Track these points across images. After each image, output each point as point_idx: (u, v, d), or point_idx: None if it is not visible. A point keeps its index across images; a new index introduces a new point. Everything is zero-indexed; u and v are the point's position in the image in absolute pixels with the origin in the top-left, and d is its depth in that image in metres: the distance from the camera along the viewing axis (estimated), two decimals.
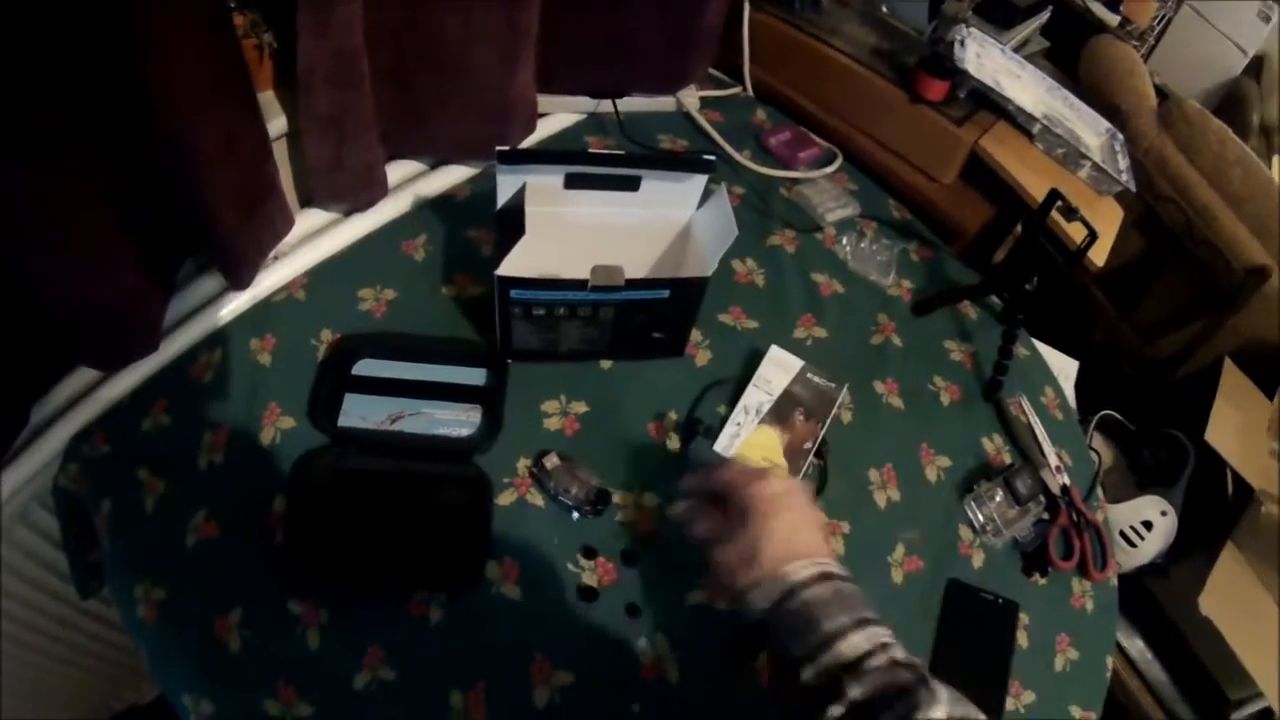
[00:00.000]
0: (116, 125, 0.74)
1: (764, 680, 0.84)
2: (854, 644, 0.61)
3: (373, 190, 1.06)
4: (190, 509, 0.85)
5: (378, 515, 0.87)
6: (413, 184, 1.13)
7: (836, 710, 0.58)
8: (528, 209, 0.87)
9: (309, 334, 0.97)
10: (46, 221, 0.70)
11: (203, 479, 0.87)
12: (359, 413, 0.93)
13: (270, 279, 1.01)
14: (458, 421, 0.94)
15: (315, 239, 1.05)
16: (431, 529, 0.86)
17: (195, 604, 0.81)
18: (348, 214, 1.08)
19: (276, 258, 1.02)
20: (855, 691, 0.58)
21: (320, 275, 1.02)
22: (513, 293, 0.87)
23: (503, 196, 0.89)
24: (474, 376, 0.97)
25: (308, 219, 1.06)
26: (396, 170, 1.10)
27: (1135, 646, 1.43)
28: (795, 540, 0.67)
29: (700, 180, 0.91)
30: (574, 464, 0.92)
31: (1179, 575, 1.39)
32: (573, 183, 0.90)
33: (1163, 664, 1.43)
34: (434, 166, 1.15)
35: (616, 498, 0.90)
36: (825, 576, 0.65)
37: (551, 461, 0.91)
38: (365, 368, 0.96)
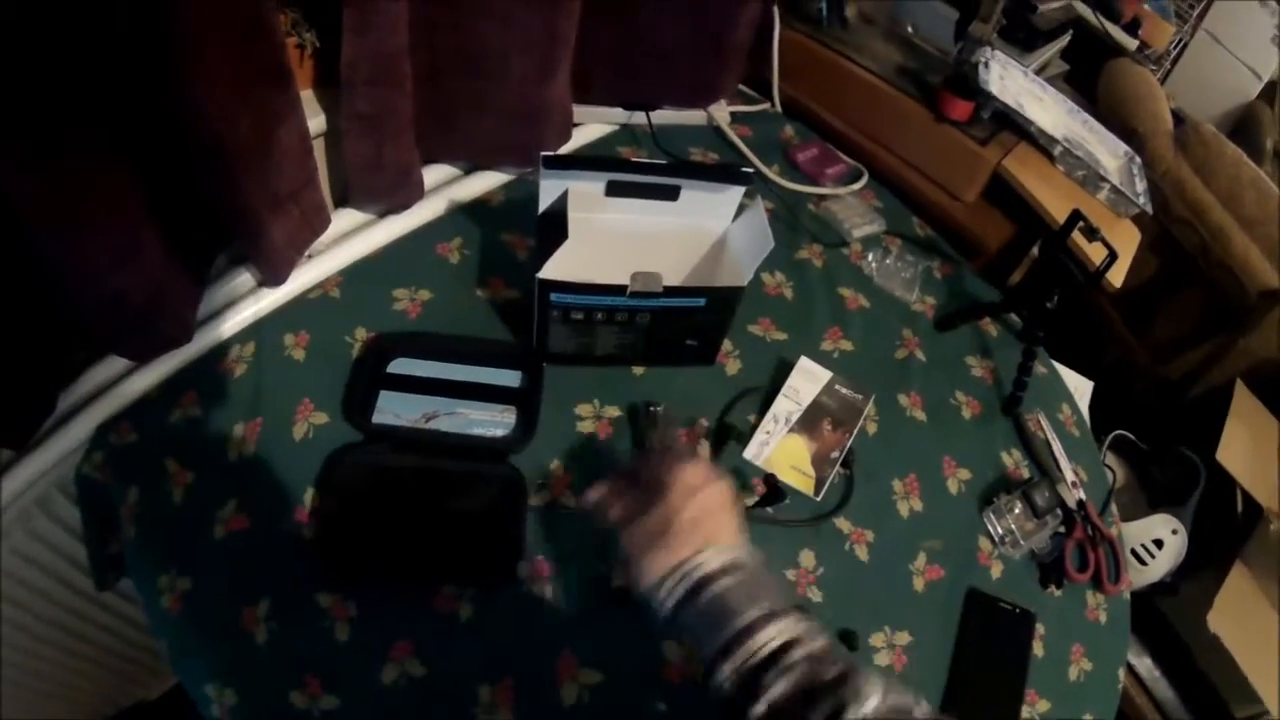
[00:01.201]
0: (153, 116, 0.76)
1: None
2: (770, 637, 0.59)
3: (409, 191, 1.09)
4: (219, 500, 0.87)
5: (412, 511, 0.90)
6: (447, 188, 1.16)
7: (759, 709, 0.57)
8: (570, 214, 0.91)
9: (343, 332, 1.00)
10: (81, 210, 0.72)
11: (233, 471, 0.89)
12: (393, 410, 0.96)
13: (305, 276, 1.04)
14: (492, 422, 0.97)
15: (350, 239, 1.08)
16: (466, 527, 0.90)
17: (222, 595, 0.83)
18: (383, 215, 1.12)
19: (311, 256, 1.05)
20: (777, 689, 0.57)
21: (355, 274, 1.06)
22: (553, 296, 0.91)
23: (545, 201, 0.93)
24: (509, 378, 1.00)
25: (343, 219, 1.09)
26: (431, 174, 1.14)
27: (1143, 664, 1.47)
28: (705, 521, 0.66)
29: (737, 192, 0.96)
30: (669, 420, 0.99)
31: (1188, 593, 1.43)
32: (614, 190, 0.94)
33: (1170, 681, 1.47)
34: (468, 172, 1.19)
35: None
36: (735, 566, 0.63)
37: (657, 409, 0.99)
38: (400, 366, 0.99)
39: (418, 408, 0.97)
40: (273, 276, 1.01)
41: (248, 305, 1.00)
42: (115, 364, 0.93)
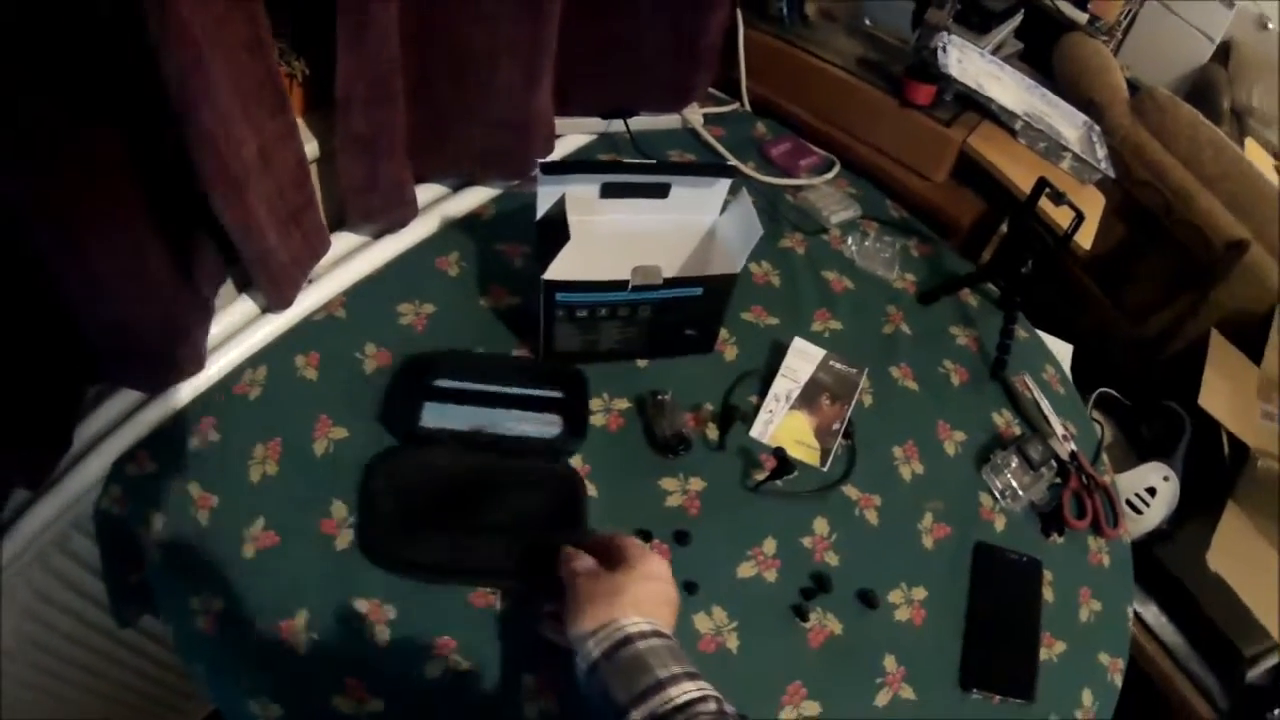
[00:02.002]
0: (158, 145, 0.78)
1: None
2: (686, 691, 0.65)
3: (404, 210, 1.14)
4: (246, 519, 0.90)
5: (470, 510, 0.93)
6: (438, 206, 1.21)
7: None
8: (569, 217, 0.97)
9: (353, 348, 1.05)
10: (88, 241, 0.73)
11: (256, 490, 0.92)
12: (437, 420, 0.98)
13: (309, 300, 1.07)
14: (539, 430, 1.00)
15: (348, 260, 1.12)
16: (527, 524, 0.93)
17: (257, 611, 0.85)
18: (378, 235, 1.16)
19: (312, 280, 1.09)
20: None
21: (358, 294, 1.10)
22: (558, 295, 0.97)
23: (543, 206, 0.99)
24: (551, 393, 1.04)
25: (339, 242, 1.12)
26: (422, 193, 1.18)
27: (1149, 612, 1.54)
28: (648, 603, 0.74)
29: (724, 185, 1.03)
30: (675, 408, 1.04)
31: (1184, 539, 1.50)
32: (608, 192, 1.01)
33: (1177, 627, 1.54)
34: (456, 189, 1.25)
35: (664, 483, 1.01)
36: (660, 635, 0.71)
37: (664, 397, 1.05)
38: (443, 383, 1.02)
39: (463, 419, 0.99)
40: (279, 300, 1.03)
41: (254, 331, 1.03)
42: (126, 398, 0.95)
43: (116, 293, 0.80)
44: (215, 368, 1.00)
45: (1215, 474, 1.55)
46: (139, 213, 0.79)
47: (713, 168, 1.02)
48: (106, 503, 0.92)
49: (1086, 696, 1.01)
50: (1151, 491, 1.46)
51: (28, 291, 0.76)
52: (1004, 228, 1.50)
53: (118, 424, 0.95)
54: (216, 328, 1.01)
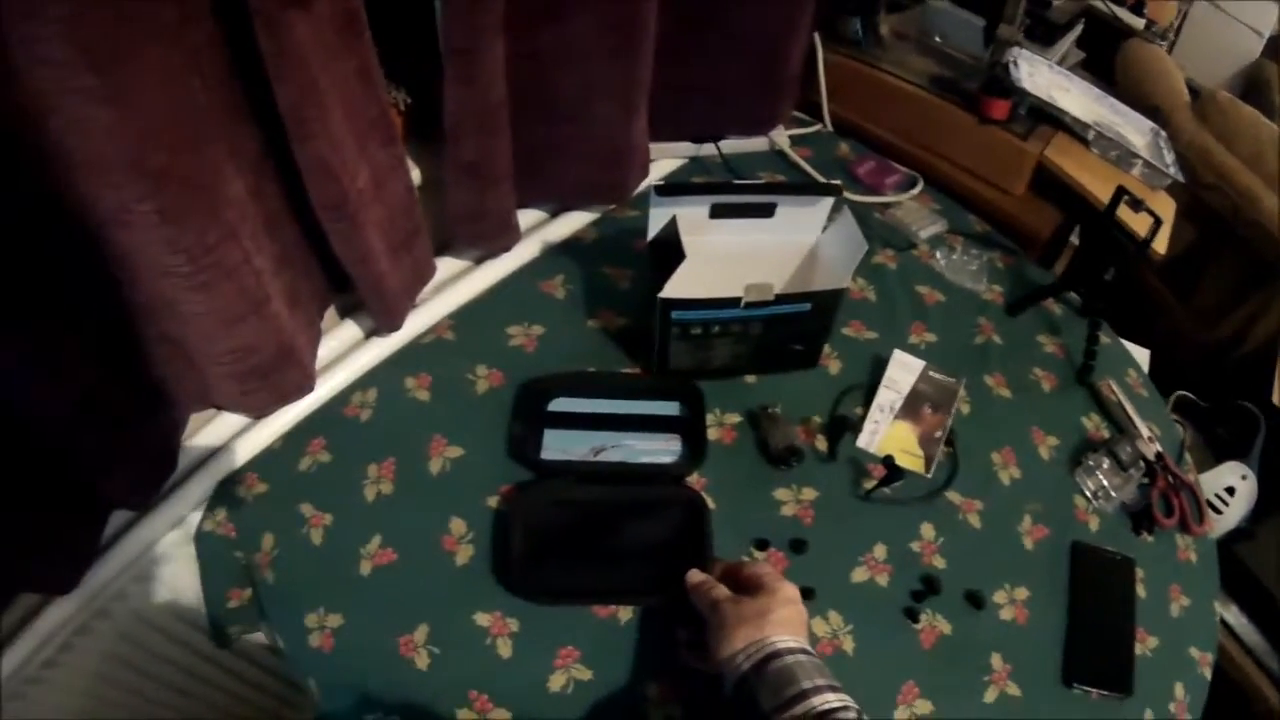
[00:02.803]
0: (282, 177, 0.86)
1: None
2: (829, 700, 0.71)
3: (509, 235, 1.20)
4: (362, 537, 0.95)
5: (602, 540, 0.98)
6: (539, 230, 1.28)
7: None
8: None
9: (464, 370, 1.11)
10: (213, 258, 0.77)
11: (372, 509, 0.97)
12: (560, 447, 1.04)
13: (415, 323, 1.14)
14: (660, 450, 1.07)
15: (453, 284, 1.19)
16: (657, 549, 0.98)
17: (376, 627, 0.90)
18: (480, 261, 1.22)
19: (417, 305, 1.15)
20: None
21: (465, 317, 1.17)
22: (674, 313, 1.02)
23: (654, 228, 1.05)
24: (669, 409, 1.11)
25: (443, 267, 1.19)
26: (523, 218, 1.24)
27: (1231, 613, 1.57)
28: (791, 624, 0.79)
29: (827, 203, 1.09)
30: (786, 421, 1.10)
31: (1265, 537, 1.55)
32: (717, 213, 1.07)
33: (1258, 627, 1.57)
34: (555, 215, 1.32)
35: (778, 494, 1.07)
36: (806, 651, 0.76)
37: (774, 411, 1.11)
38: (561, 405, 1.08)
39: (585, 443, 1.05)
40: (389, 323, 1.10)
41: (361, 355, 1.10)
42: (231, 420, 1.00)
43: (233, 317, 0.84)
44: (323, 390, 1.06)
45: None
46: (260, 238, 0.84)
47: (817, 186, 1.08)
48: (210, 524, 0.97)
49: (1179, 690, 1.05)
50: (1230, 491, 1.51)
51: (131, 312, 0.80)
52: (1074, 238, 1.55)
53: (223, 446, 1.01)
54: (323, 350, 1.07)
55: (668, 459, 1.06)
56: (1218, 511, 1.50)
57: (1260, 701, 1.53)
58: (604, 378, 1.13)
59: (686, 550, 0.97)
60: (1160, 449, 1.24)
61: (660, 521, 1.00)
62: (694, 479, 1.06)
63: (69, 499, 0.84)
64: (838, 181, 1.07)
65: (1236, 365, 1.79)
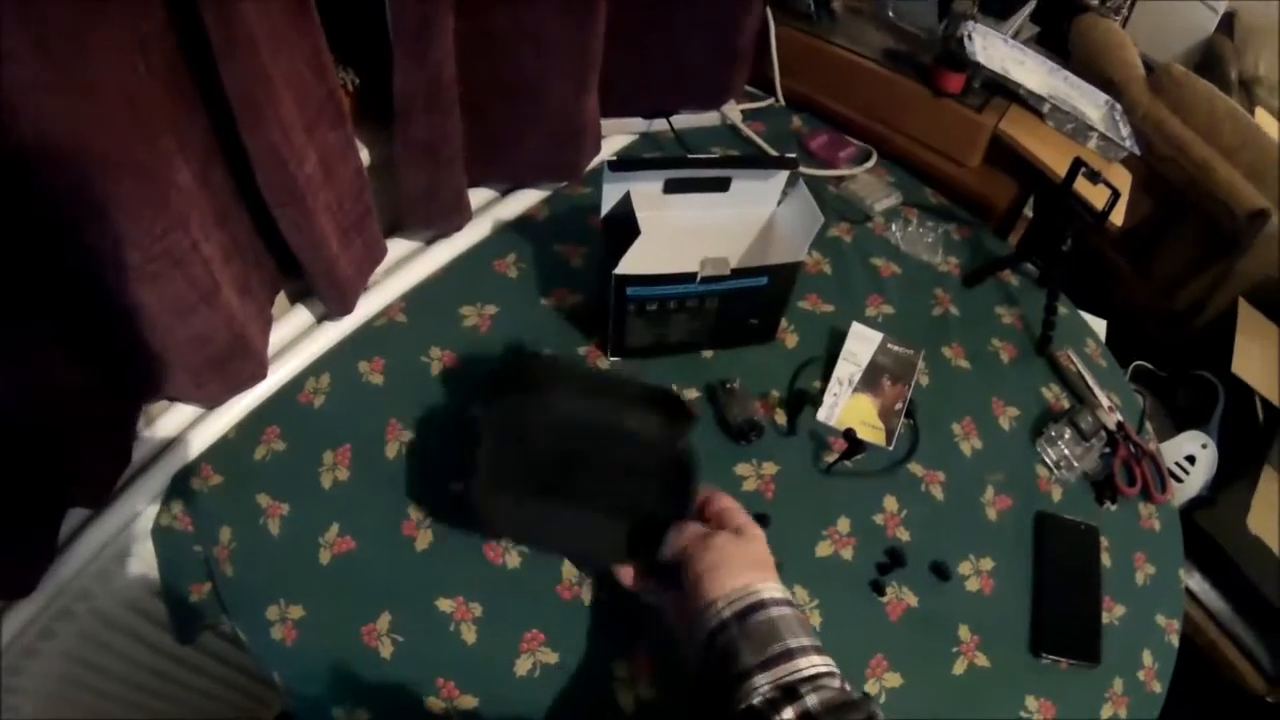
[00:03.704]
0: (230, 164, 0.83)
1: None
2: (815, 664, 0.67)
3: (461, 215, 1.19)
4: (320, 526, 0.93)
5: (583, 470, 0.90)
6: (491, 209, 1.26)
7: (789, 714, 0.64)
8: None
9: (419, 353, 1.09)
10: (156, 252, 0.75)
11: (329, 497, 0.95)
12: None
13: (368, 306, 1.11)
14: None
15: (405, 266, 1.16)
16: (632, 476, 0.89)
17: (338, 617, 0.88)
18: (430, 241, 1.20)
19: (369, 287, 1.13)
20: (812, 700, 0.64)
21: (417, 298, 1.15)
22: (629, 290, 1.01)
23: (608, 203, 1.03)
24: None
25: (393, 248, 1.17)
26: (474, 197, 1.22)
27: (1193, 580, 1.60)
28: (768, 565, 0.77)
29: (782, 177, 1.08)
30: (745, 396, 1.09)
31: (1224, 504, 1.57)
32: (671, 187, 1.05)
33: (1220, 593, 1.60)
34: (506, 193, 1.30)
35: (739, 469, 1.06)
36: (791, 604, 0.73)
37: (733, 385, 1.09)
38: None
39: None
40: (341, 307, 1.07)
41: (313, 340, 1.07)
42: (183, 412, 0.98)
43: (183, 308, 0.82)
44: (276, 377, 1.04)
45: (1251, 439, 1.61)
46: (209, 227, 0.82)
47: (772, 160, 1.07)
48: (167, 519, 0.95)
49: (1147, 657, 1.06)
50: (1191, 460, 1.53)
51: (83, 305, 0.77)
52: (1028, 210, 1.56)
53: (177, 438, 0.98)
54: (274, 337, 1.05)
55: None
56: (1179, 480, 1.53)
57: (1225, 665, 1.56)
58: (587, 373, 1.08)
59: (671, 490, 0.88)
60: (1121, 418, 1.24)
61: (641, 461, 0.91)
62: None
63: (21, 500, 0.81)
64: (793, 155, 1.06)
65: (1194, 335, 1.81)
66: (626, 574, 0.84)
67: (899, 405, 1.15)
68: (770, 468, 1.07)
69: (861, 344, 1.18)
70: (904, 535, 1.06)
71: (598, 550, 0.88)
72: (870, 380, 1.16)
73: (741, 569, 0.74)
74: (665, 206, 1.07)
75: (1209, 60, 2.42)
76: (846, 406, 1.14)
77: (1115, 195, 1.22)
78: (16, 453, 0.77)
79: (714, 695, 0.70)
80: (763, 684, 0.66)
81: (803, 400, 1.12)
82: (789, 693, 0.65)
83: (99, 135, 0.65)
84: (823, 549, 1.02)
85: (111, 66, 0.64)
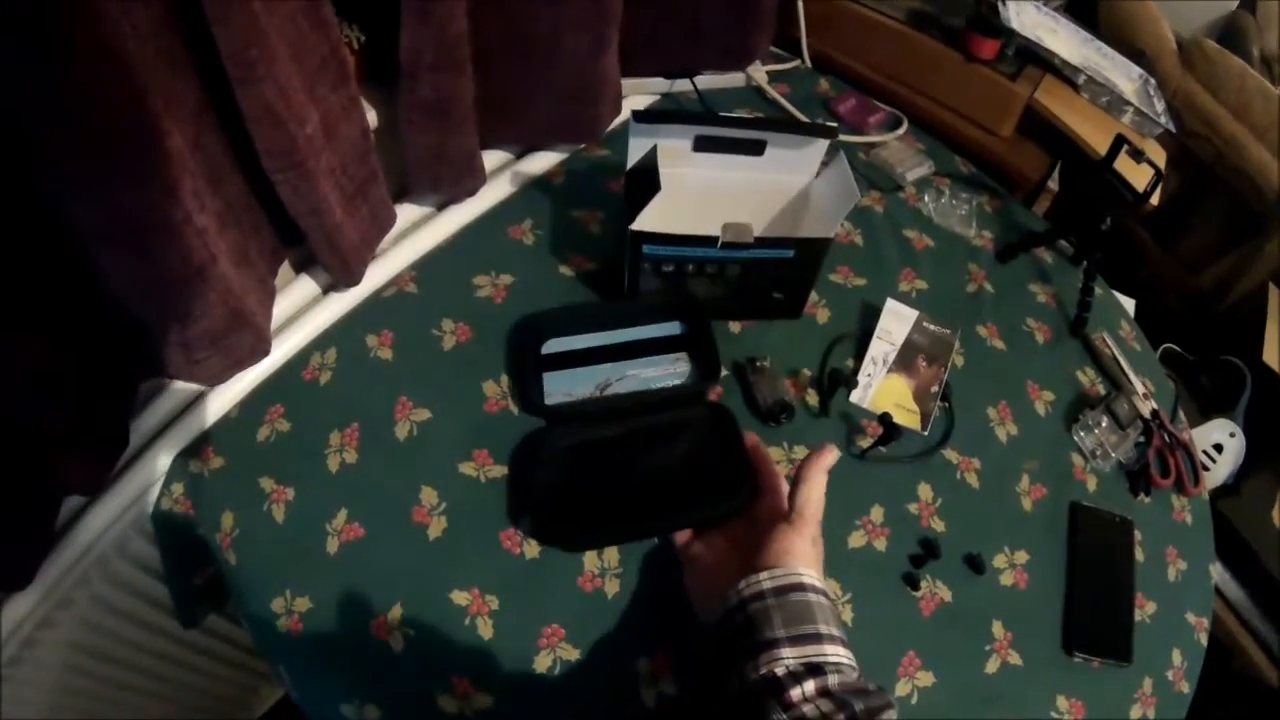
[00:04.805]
0: (224, 126, 0.79)
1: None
2: (840, 653, 0.68)
3: (474, 178, 1.13)
4: (328, 512, 0.88)
5: (636, 471, 0.91)
6: (505, 171, 1.21)
7: (810, 687, 0.64)
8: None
9: (429, 325, 1.03)
10: (155, 220, 0.72)
11: (336, 480, 0.90)
12: (563, 390, 0.98)
13: (376, 276, 1.06)
14: (668, 374, 1.01)
15: (415, 233, 1.11)
16: (697, 466, 0.91)
17: (347, 608, 0.83)
18: (442, 206, 1.15)
19: (377, 256, 1.08)
20: (833, 679, 0.65)
21: (428, 267, 1.09)
22: (645, 248, 0.96)
23: (633, 157, 0.98)
24: (669, 329, 1.05)
25: (402, 214, 1.11)
26: (488, 159, 1.17)
27: (1214, 569, 1.58)
28: (819, 564, 0.77)
29: (822, 145, 1.02)
30: (775, 374, 1.05)
31: (1248, 494, 1.54)
32: (701, 145, 1.00)
33: (1241, 584, 1.58)
34: (520, 155, 1.24)
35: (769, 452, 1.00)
36: (827, 595, 0.73)
37: (763, 364, 1.05)
38: (555, 345, 1.01)
39: (588, 380, 1.00)
40: (347, 277, 1.02)
41: (319, 312, 1.02)
42: (184, 390, 0.94)
43: (177, 280, 0.78)
44: (279, 352, 0.99)
45: (1278, 428, 1.58)
46: (202, 195, 0.77)
47: (811, 127, 1.01)
48: (168, 502, 0.91)
49: (1177, 657, 1.03)
50: (1218, 448, 1.50)
51: (71, 281, 0.74)
52: (1053, 183, 1.51)
53: (174, 419, 0.94)
54: (277, 309, 1.00)
55: (678, 380, 1.01)
56: (1205, 469, 1.48)
57: (1243, 657, 1.53)
58: (591, 309, 1.07)
59: (723, 461, 0.90)
60: (1155, 406, 1.20)
61: (688, 441, 0.94)
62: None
63: (16, 488, 0.77)
64: (833, 124, 1.00)
65: (1220, 317, 1.78)
66: (683, 533, 0.86)
67: (935, 387, 1.10)
68: (801, 451, 1.02)
69: (897, 322, 1.13)
70: (938, 525, 1.02)
71: (681, 516, 0.87)
72: (905, 360, 1.11)
73: (800, 556, 0.75)
74: (693, 164, 1.02)
75: (1230, 36, 2.36)
76: (880, 388, 1.09)
77: (1159, 176, 1.18)
78: (6, 441, 0.73)
79: (728, 655, 0.71)
80: (788, 657, 0.67)
81: (836, 380, 1.07)
82: (813, 669, 0.66)
83: (76, 99, 0.61)
84: (856, 539, 0.98)
85: (91, 24, 0.59)
